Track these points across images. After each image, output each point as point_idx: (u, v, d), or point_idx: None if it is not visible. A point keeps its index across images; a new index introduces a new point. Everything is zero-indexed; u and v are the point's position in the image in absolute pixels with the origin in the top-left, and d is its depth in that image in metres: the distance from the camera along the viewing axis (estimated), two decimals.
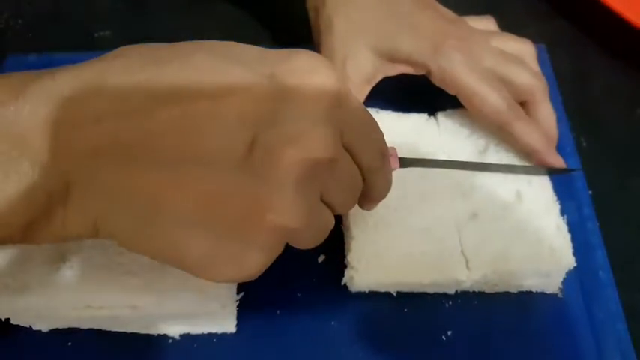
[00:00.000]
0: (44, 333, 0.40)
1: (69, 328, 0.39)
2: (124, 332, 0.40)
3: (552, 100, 0.46)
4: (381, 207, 0.41)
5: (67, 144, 0.24)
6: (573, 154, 0.48)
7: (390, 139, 0.33)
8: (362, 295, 0.41)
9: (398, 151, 0.38)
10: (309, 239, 0.29)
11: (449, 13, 0.47)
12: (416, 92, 0.47)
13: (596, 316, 0.42)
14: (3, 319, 0.36)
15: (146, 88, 0.25)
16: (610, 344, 0.40)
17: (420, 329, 0.41)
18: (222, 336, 0.40)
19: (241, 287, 0.39)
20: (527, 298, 0.42)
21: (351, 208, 0.32)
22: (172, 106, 0.24)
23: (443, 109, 0.47)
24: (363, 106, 0.31)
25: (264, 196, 0.25)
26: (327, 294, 0.42)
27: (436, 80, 0.44)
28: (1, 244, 0.26)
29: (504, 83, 0.44)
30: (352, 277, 0.39)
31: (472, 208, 0.42)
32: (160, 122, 0.24)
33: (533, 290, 0.42)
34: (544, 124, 0.45)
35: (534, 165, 0.44)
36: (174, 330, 0.40)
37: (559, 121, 0.46)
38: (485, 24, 0.49)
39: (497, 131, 0.45)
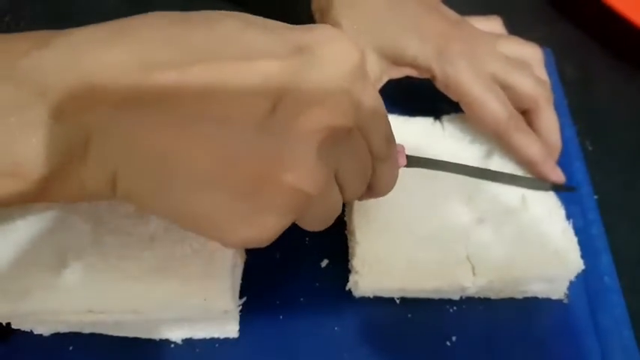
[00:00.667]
0: (45, 337, 0.39)
1: (70, 333, 0.39)
2: (126, 337, 0.39)
3: (558, 103, 0.46)
4: (386, 212, 0.41)
5: (89, 95, 0.24)
6: (579, 158, 0.48)
7: None
8: (366, 301, 0.41)
9: None
10: (317, 217, 0.29)
11: (454, 15, 0.47)
12: (421, 96, 0.46)
13: (601, 322, 0.41)
14: (4, 324, 0.36)
15: (171, 44, 0.24)
16: (616, 351, 0.40)
17: (424, 335, 0.41)
18: (225, 341, 0.40)
19: (244, 292, 0.39)
20: (532, 304, 0.42)
21: (358, 195, 0.31)
22: (197, 64, 0.24)
23: (448, 113, 0.47)
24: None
25: (284, 156, 0.25)
26: (330, 299, 0.42)
27: (440, 85, 0.44)
28: (17, 201, 0.25)
29: (507, 90, 0.44)
30: (356, 282, 0.39)
31: (478, 213, 0.41)
32: (183, 78, 0.24)
33: (539, 296, 0.42)
34: (546, 135, 0.44)
35: (538, 178, 0.44)
36: (176, 335, 0.40)
37: (564, 125, 0.46)
38: (492, 25, 0.48)
39: (497, 140, 0.45)
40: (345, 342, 0.40)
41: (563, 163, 0.45)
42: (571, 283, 0.41)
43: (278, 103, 0.25)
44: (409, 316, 0.41)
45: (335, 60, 0.26)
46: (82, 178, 0.25)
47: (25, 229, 0.36)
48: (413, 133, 0.45)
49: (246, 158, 0.24)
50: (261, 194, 0.25)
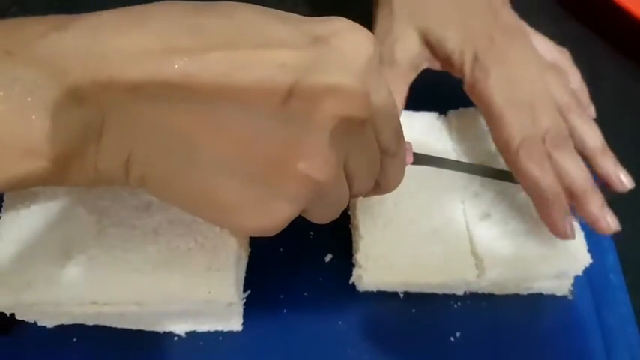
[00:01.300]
0: (49, 329, 0.39)
1: (74, 325, 0.39)
2: (130, 329, 0.40)
3: None
4: (390, 206, 0.41)
5: (107, 78, 0.24)
6: None
7: None
8: (369, 295, 0.41)
9: None
10: (325, 208, 0.29)
11: (515, 21, 0.43)
12: (427, 90, 0.46)
13: (606, 319, 0.41)
14: (8, 315, 0.36)
15: (190, 31, 0.25)
16: (620, 348, 0.40)
17: (428, 330, 0.41)
18: (228, 334, 0.40)
19: (248, 286, 0.39)
20: (536, 300, 0.42)
21: (366, 190, 0.31)
22: (215, 50, 0.24)
23: (454, 107, 0.47)
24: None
25: (298, 144, 0.25)
26: (334, 293, 0.42)
27: (466, 87, 0.42)
28: (36, 182, 0.25)
29: (538, 114, 0.39)
30: (360, 277, 0.39)
31: (484, 207, 0.41)
32: (202, 64, 0.24)
33: (543, 292, 0.42)
34: (567, 174, 0.38)
35: None
36: (180, 328, 0.40)
37: None
38: (557, 56, 0.45)
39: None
40: (348, 336, 0.40)
41: None
42: (576, 279, 0.41)
43: (294, 91, 0.25)
44: (413, 311, 0.41)
45: (350, 51, 0.26)
46: (97, 161, 0.26)
47: (29, 220, 0.36)
48: (418, 127, 0.45)
49: (261, 143, 0.25)
50: (274, 180, 0.25)
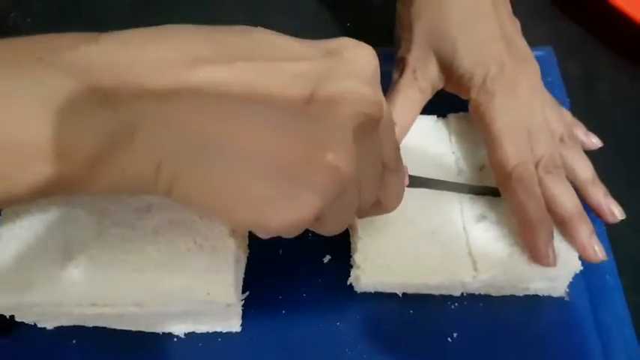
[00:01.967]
0: (49, 331, 0.40)
1: (73, 326, 0.39)
2: (129, 330, 0.40)
3: (560, 102, 0.46)
4: None
5: (137, 87, 0.25)
6: None
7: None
8: (367, 296, 0.41)
9: (406, 153, 0.37)
10: (339, 213, 0.29)
11: (526, 50, 0.45)
12: None
13: (603, 320, 0.41)
14: (7, 317, 0.36)
15: (213, 44, 0.27)
16: (617, 349, 0.40)
17: (426, 331, 0.41)
18: (228, 335, 0.40)
19: (247, 287, 0.39)
20: (533, 302, 0.42)
21: (370, 202, 0.31)
22: (238, 60, 0.26)
23: (454, 111, 0.47)
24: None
25: (324, 137, 0.26)
26: (332, 294, 0.42)
27: (471, 109, 0.44)
28: (64, 188, 0.26)
29: (534, 142, 0.41)
30: (358, 277, 0.39)
31: (480, 209, 0.42)
32: (225, 72, 0.26)
33: (540, 294, 0.42)
34: (557, 199, 0.40)
35: None
36: (179, 329, 0.40)
37: None
38: (559, 113, 0.45)
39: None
40: (346, 337, 0.40)
41: None
42: (572, 281, 0.41)
43: (314, 96, 0.27)
44: (411, 312, 0.41)
45: (359, 62, 0.29)
46: (125, 165, 0.26)
47: (30, 221, 0.36)
48: (416, 130, 0.45)
49: (289, 138, 0.26)
50: (303, 172, 0.26)
